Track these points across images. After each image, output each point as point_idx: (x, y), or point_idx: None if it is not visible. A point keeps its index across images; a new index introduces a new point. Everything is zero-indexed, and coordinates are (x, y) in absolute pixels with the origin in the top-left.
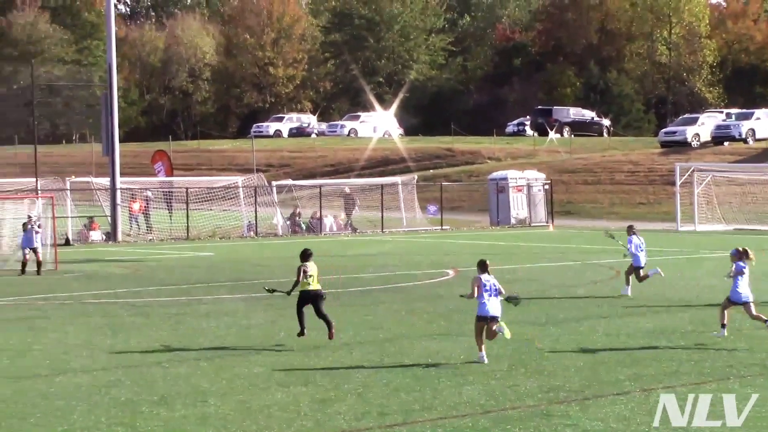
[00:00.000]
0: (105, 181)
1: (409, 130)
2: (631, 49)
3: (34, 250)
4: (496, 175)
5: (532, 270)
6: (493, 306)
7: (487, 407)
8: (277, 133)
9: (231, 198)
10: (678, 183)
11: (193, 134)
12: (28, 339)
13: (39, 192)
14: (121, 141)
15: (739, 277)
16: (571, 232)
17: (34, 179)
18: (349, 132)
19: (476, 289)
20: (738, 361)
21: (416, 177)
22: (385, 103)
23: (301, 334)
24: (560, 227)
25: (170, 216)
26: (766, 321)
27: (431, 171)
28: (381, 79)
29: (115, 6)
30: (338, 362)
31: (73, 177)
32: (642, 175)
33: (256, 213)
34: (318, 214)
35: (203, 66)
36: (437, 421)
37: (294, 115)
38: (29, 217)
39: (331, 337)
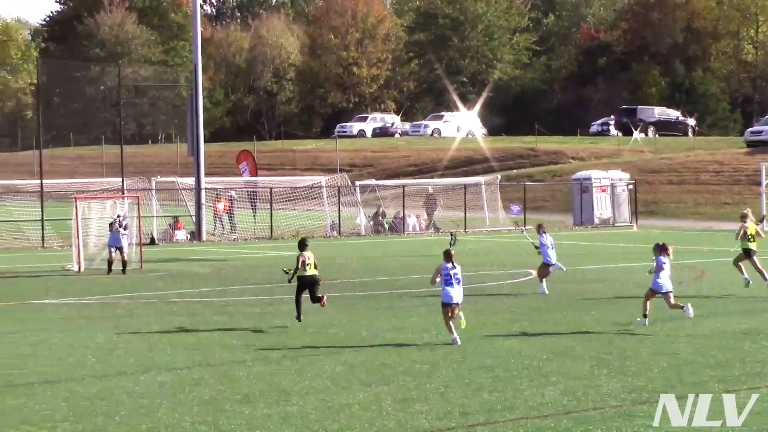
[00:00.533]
0: (190, 180)
1: (493, 130)
2: (717, 48)
3: (120, 250)
4: (579, 174)
5: (615, 270)
6: (455, 293)
7: (569, 408)
8: (361, 133)
9: (314, 198)
10: (764, 183)
11: (277, 134)
12: (114, 337)
13: (125, 192)
14: (206, 141)
15: (661, 270)
16: (655, 232)
17: (121, 179)
18: (433, 132)
19: (438, 276)
20: None
21: (499, 177)
22: (468, 103)
23: (298, 319)
24: (644, 227)
25: (254, 216)
26: (682, 307)
27: (515, 171)
28: (465, 79)
29: (201, 7)
30: (420, 361)
31: (159, 177)
32: (727, 175)
33: (339, 213)
34: (401, 214)
35: (288, 66)
36: (519, 421)
37: (378, 115)
38: (117, 216)
39: (323, 304)
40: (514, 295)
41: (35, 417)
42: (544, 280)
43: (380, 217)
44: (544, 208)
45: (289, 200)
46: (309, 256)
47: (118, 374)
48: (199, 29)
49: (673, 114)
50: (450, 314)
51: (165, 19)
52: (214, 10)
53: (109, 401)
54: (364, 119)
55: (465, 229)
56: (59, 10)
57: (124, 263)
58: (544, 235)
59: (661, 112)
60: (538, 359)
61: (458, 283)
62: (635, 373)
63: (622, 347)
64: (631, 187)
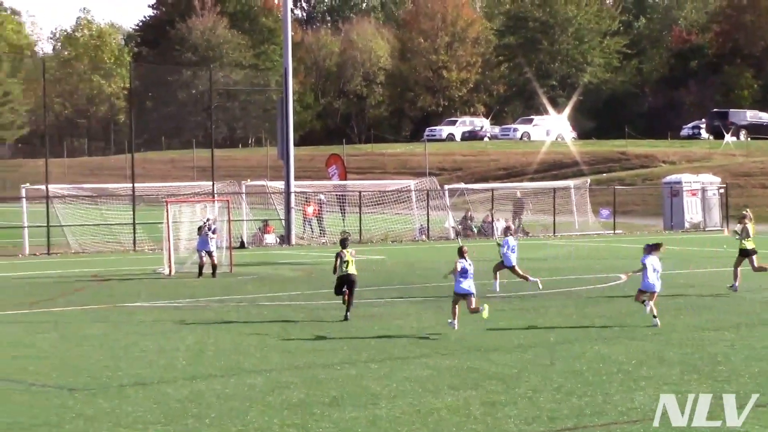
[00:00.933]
0: (279, 184)
1: (583, 134)
2: None
3: (209, 254)
4: (670, 178)
5: (705, 274)
6: (467, 284)
7: None
8: (450, 137)
9: (403, 201)
10: None
11: (367, 138)
12: (204, 340)
13: (215, 195)
14: (296, 145)
15: (646, 270)
16: None
17: (211, 183)
18: (522, 135)
19: (456, 270)
20: None
21: (589, 181)
22: (558, 107)
23: (345, 317)
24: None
25: (343, 219)
26: (645, 303)
27: (605, 174)
28: (555, 82)
29: (292, 11)
30: (509, 365)
31: (249, 180)
32: None
33: (428, 216)
34: (490, 218)
35: (377, 70)
36: (608, 426)
37: (467, 119)
38: (207, 220)
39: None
40: (604, 299)
41: (127, 419)
42: (498, 276)
43: (469, 221)
44: (634, 212)
45: (378, 204)
46: (348, 253)
47: (208, 377)
48: (290, 33)
49: (766, 117)
50: (468, 304)
51: (256, 23)
52: (304, 14)
53: (199, 403)
54: (454, 123)
55: (554, 232)
56: (152, 14)
57: (214, 267)
58: (509, 237)
59: (753, 116)
60: (628, 364)
61: (470, 276)
62: (726, 378)
63: (712, 352)
64: (722, 191)
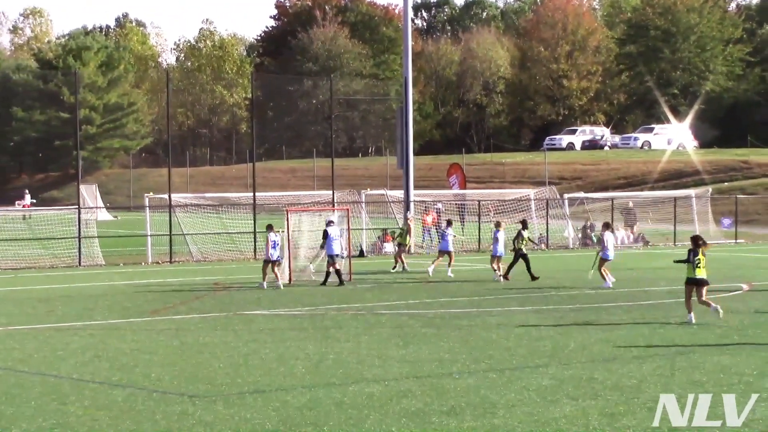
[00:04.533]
0: (399, 193)
1: (705, 143)
2: None
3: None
4: None
5: None
6: (276, 253)
7: None
8: (570, 146)
9: (522, 210)
10: None
11: (486, 147)
12: (323, 348)
13: (335, 204)
14: (415, 154)
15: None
16: None
17: (331, 192)
18: (643, 144)
19: (268, 242)
20: None
21: (710, 190)
22: (680, 115)
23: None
24: None
25: (462, 228)
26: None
27: (726, 183)
28: (676, 91)
29: (413, 21)
30: (628, 375)
31: (368, 189)
32: None
33: (547, 225)
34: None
35: (497, 79)
36: None
37: (587, 128)
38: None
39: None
40: (725, 309)
41: (246, 426)
42: (496, 269)
43: (588, 230)
44: (756, 221)
45: (497, 213)
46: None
47: (326, 385)
48: (410, 43)
49: None
50: (275, 267)
51: (376, 33)
52: (425, 23)
53: (318, 412)
54: (574, 132)
55: (674, 242)
56: (274, 25)
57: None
58: (499, 231)
59: None
60: (749, 375)
61: (277, 246)
62: None
63: None
64: None
